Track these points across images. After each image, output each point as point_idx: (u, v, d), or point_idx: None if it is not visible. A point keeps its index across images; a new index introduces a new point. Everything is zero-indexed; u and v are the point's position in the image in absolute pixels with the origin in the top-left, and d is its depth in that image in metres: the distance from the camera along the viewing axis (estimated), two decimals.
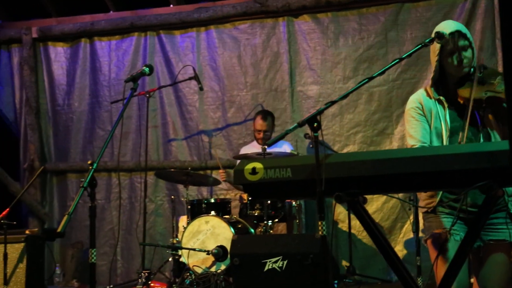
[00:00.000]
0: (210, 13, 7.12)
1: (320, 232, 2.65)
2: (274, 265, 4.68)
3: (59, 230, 3.01)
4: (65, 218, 3.00)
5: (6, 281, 5.28)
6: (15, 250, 5.43)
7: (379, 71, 2.91)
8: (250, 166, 2.72)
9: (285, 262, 4.66)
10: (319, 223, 2.66)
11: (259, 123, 6.30)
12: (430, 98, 3.22)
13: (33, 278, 5.47)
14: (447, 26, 3.16)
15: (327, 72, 6.88)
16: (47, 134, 7.62)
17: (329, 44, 6.91)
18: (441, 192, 3.13)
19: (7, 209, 5.39)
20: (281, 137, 2.77)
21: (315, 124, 2.66)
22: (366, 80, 2.84)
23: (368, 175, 2.61)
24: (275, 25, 7.08)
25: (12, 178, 7.29)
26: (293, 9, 6.92)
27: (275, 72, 7.04)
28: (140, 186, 7.11)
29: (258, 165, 2.70)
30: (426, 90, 3.27)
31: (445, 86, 3.23)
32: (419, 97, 3.27)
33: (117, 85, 7.39)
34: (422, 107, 3.22)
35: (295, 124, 2.74)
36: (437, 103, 3.20)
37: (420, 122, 3.20)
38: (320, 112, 2.70)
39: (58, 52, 7.64)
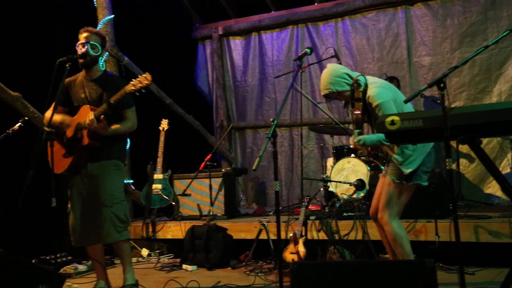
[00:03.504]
0: (345, 7, 6.94)
1: (447, 167, 2.54)
2: None
3: (253, 168, 3.03)
4: (257, 159, 3.02)
5: (212, 203, 5.62)
6: (216, 182, 5.75)
7: (494, 40, 2.71)
8: (389, 119, 2.66)
9: None
10: (446, 160, 2.56)
11: None
12: None
13: (228, 201, 5.74)
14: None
15: (437, 46, 6.48)
16: (231, 102, 7.84)
17: (438, 24, 6.49)
18: None
19: (210, 155, 5.70)
20: (415, 95, 2.69)
21: (442, 84, 2.56)
22: (483, 48, 2.67)
23: (482, 122, 2.49)
24: (395, 13, 6.76)
25: (209, 133, 7.62)
26: None
27: (396, 48, 6.76)
28: (297, 137, 7.20)
29: (396, 118, 2.64)
30: None
31: None
32: None
33: (278, 65, 7.45)
34: None
35: (426, 86, 2.63)
36: None
37: None
38: (445, 75, 2.58)
39: (236, 44, 7.80)
